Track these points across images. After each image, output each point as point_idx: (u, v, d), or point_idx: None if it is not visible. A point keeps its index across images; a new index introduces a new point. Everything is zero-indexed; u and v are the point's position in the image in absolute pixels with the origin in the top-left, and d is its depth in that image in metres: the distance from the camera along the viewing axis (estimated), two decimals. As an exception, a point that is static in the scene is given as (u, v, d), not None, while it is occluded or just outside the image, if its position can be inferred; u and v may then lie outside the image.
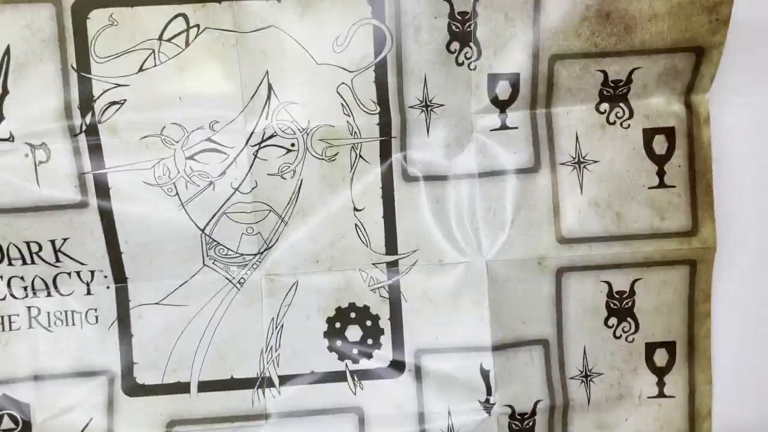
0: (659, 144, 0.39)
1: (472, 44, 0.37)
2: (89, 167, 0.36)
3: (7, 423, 0.38)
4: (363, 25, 0.37)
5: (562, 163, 0.39)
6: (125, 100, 0.36)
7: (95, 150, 0.36)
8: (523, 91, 0.38)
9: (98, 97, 0.36)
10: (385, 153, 0.38)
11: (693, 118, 0.39)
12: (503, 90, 0.38)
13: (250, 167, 0.37)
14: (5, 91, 0.35)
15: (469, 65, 0.37)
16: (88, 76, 0.36)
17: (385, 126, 0.38)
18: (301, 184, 0.38)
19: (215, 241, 0.38)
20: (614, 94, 0.38)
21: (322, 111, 0.37)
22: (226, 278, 0.38)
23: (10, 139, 0.36)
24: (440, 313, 0.39)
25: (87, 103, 0.36)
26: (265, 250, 0.38)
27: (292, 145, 0.37)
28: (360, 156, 0.38)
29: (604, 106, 0.39)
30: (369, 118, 0.38)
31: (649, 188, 0.39)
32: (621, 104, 0.39)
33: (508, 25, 0.37)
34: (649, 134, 0.39)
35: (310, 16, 0.36)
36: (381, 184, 0.38)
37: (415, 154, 0.38)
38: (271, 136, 0.37)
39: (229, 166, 0.37)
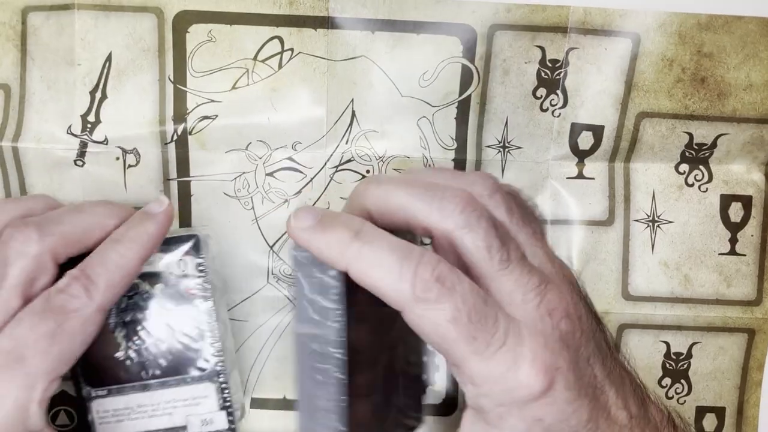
0: (735, 211, 0.39)
1: (559, 92, 0.37)
2: (175, 174, 0.37)
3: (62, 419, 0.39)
4: (452, 62, 0.37)
5: (637, 220, 0.39)
6: (216, 116, 0.37)
7: (182, 159, 0.37)
8: (605, 144, 0.38)
9: (191, 111, 0.37)
10: (458, 190, 0.38)
11: (772, 189, 0.39)
12: (585, 140, 0.38)
13: (325, 189, 0.38)
14: (104, 96, 0.36)
15: (553, 112, 0.37)
16: (183, 89, 0.36)
17: (459, 162, 0.38)
18: (372, 211, 0.38)
19: (281, 259, 0.38)
20: (696, 156, 0.38)
21: (400, 142, 0.37)
22: (287, 298, 0.39)
23: (105, 142, 0.37)
24: (497, 356, 0.39)
25: (180, 114, 0.37)
26: (329, 273, 0.39)
27: (367, 171, 0.38)
28: (433, 190, 0.38)
29: (684, 167, 0.38)
30: (445, 154, 0.38)
31: (719, 254, 0.39)
32: (701, 167, 0.38)
33: (600, 78, 0.37)
34: (726, 200, 0.38)
35: (400, 50, 0.37)
36: (450, 220, 0.38)
37: (487, 195, 0.38)
38: (349, 161, 0.37)
39: (305, 186, 0.38)
